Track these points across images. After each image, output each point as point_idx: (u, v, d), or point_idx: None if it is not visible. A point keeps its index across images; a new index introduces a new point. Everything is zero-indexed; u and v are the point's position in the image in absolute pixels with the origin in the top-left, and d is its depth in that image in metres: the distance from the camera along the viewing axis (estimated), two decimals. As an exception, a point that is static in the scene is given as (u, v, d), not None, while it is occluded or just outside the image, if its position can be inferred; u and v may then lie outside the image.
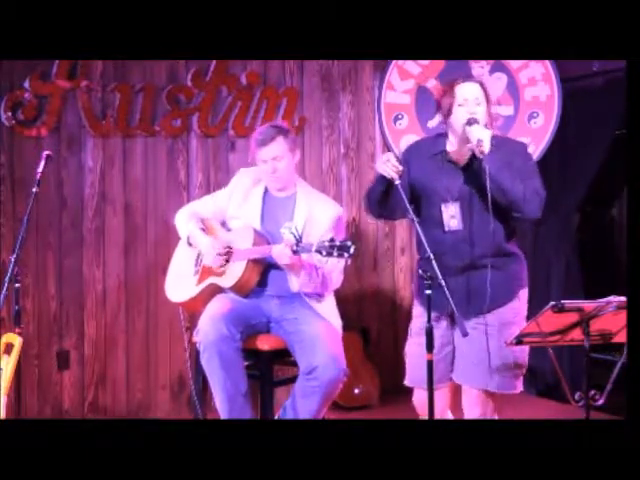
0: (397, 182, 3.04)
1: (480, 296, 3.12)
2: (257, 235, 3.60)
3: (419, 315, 3.29)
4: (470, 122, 3.08)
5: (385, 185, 3.12)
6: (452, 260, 3.14)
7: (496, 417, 3.30)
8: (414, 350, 3.27)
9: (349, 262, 3.31)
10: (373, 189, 3.21)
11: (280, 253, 3.41)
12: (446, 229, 3.17)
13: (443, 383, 3.23)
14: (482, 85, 3.18)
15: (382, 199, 3.18)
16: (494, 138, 3.15)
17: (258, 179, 3.73)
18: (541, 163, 4.80)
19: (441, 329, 3.17)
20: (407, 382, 3.35)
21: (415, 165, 3.25)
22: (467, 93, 3.13)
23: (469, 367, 3.17)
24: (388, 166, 3.05)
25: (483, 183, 3.03)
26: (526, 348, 3.21)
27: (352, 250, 3.18)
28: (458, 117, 3.12)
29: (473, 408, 3.23)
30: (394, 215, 3.30)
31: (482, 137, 3.04)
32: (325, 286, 3.58)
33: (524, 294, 3.28)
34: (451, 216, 3.16)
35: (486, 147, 3.02)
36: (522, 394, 3.31)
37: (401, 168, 3.05)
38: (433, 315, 3.05)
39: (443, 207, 3.16)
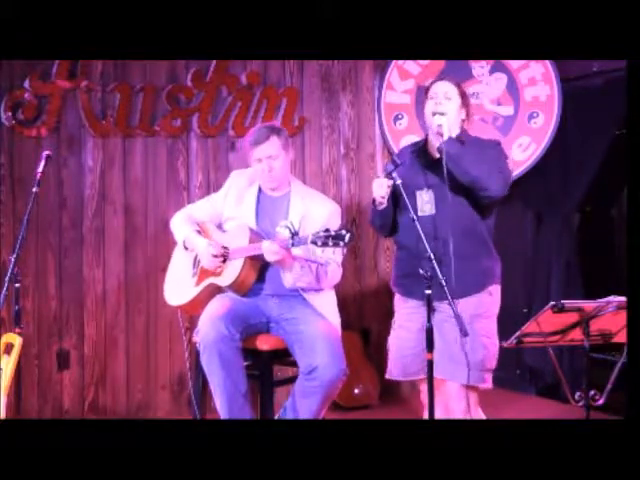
0: (398, 182, 3.15)
1: (450, 282, 3.14)
2: (253, 234, 3.60)
3: (400, 307, 3.41)
4: (433, 113, 3.30)
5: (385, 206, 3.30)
6: (425, 245, 3.16)
7: (481, 412, 3.33)
8: (394, 344, 3.39)
9: (345, 251, 3.36)
10: (374, 218, 3.42)
11: (268, 250, 3.42)
12: (420, 213, 3.28)
13: (422, 375, 3.23)
14: (456, 84, 3.38)
15: (383, 220, 3.38)
16: (468, 138, 3.34)
17: (252, 180, 3.74)
18: (541, 163, 4.81)
19: (419, 321, 3.19)
20: (387, 375, 3.44)
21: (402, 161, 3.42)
22: (437, 89, 3.35)
23: (442, 360, 3.18)
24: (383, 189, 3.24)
25: (443, 165, 3.19)
26: (496, 343, 3.25)
27: (347, 238, 3.20)
28: (427, 110, 3.34)
29: (456, 404, 3.25)
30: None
31: (441, 122, 3.25)
32: (320, 280, 3.58)
33: (496, 290, 3.34)
34: (425, 202, 3.31)
35: (445, 131, 3.23)
36: (522, 394, 3.32)
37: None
38: (413, 304, 3.24)
39: (417, 193, 3.32)
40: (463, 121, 3.36)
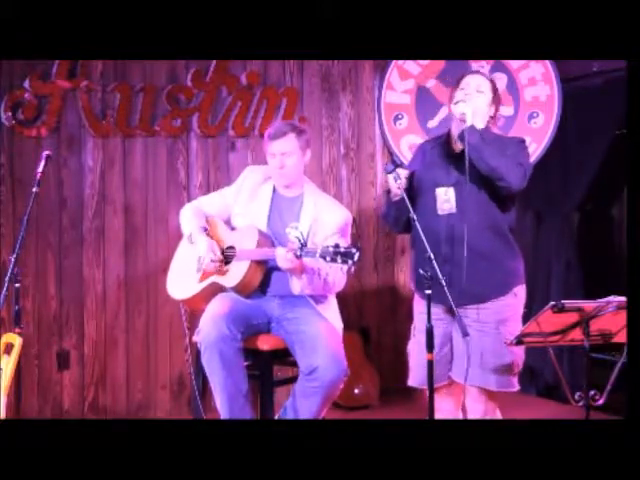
0: (399, 182, 3.12)
1: (474, 285, 3.13)
2: (261, 236, 3.58)
3: (420, 312, 3.31)
4: (458, 101, 3.21)
5: (396, 203, 3.23)
6: (446, 246, 3.14)
7: (499, 414, 3.32)
8: (415, 349, 3.33)
9: (352, 270, 3.30)
10: (388, 210, 3.34)
11: (283, 258, 3.39)
12: (439, 212, 3.22)
13: (442, 382, 3.25)
14: (490, 80, 3.29)
15: (397, 212, 3.28)
16: (491, 135, 3.23)
17: (267, 177, 3.72)
18: (541, 163, 4.81)
19: (441, 327, 3.18)
20: (410, 382, 3.38)
21: (419, 157, 3.38)
22: (469, 80, 3.26)
23: (473, 368, 3.17)
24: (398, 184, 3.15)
25: (465, 152, 3.10)
26: (522, 346, 3.23)
27: (356, 257, 3.17)
28: (454, 100, 3.24)
29: (475, 406, 3.25)
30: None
31: (465, 111, 3.15)
32: (327, 288, 3.57)
33: (521, 291, 3.28)
34: (445, 200, 3.23)
35: (468, 119, 3.13)
36: (522, 394, 3.32)
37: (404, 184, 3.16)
38: (434, 311, 3.06)
39: (437, 191, 3.24)
40: (491, 118, 3.26)
